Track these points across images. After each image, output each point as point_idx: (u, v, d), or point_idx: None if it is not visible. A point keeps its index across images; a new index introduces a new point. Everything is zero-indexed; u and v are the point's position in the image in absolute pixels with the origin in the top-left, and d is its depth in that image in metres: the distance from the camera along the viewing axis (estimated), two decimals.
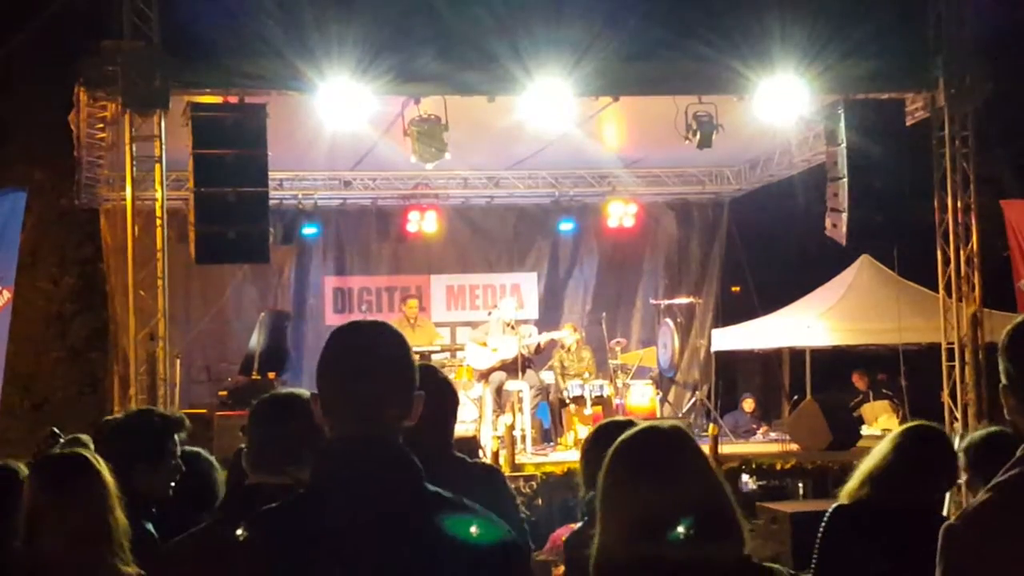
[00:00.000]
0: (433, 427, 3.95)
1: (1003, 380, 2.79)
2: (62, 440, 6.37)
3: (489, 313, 16.01)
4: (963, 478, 4.75)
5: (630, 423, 4.03)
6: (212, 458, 5.06)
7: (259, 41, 11.28)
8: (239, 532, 2.66)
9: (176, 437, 4.63)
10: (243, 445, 4.04)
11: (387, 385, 2.74)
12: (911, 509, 4.27)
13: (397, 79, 11.60)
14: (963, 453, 4.71)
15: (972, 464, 4.64)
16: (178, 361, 13.70)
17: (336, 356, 2.81)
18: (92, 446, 5.59)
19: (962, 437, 5.25)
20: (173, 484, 4.55)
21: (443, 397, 4.29)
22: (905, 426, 4.66)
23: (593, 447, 4.18)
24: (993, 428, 4.77)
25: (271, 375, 14.38)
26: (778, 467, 13.60)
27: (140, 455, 4.48)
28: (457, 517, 2.69)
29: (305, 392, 3.48)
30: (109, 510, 3.73)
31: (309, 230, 17.30)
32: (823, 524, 4.44)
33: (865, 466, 4.46)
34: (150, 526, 4.34)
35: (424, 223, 17.47)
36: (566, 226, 18.22)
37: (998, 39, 13.95)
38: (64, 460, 4.01)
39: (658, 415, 15.01)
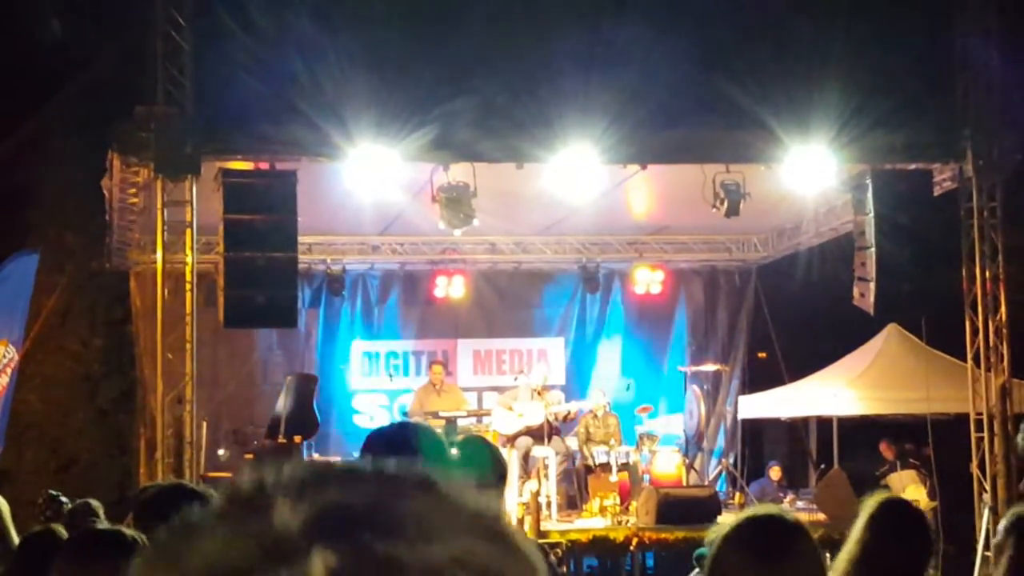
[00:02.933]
0: None
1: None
2: (65, 503, 6.37)
3: (515, 379, 16.00)
4: (1007, 553, 4.67)
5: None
6: None
7: (290, 108, 11.41)
8: None
9: None
10: None
11: (409, 456, 2.80)
12: None
13: (426, 146, 11.70)
14: (1007, 528, 4.63)
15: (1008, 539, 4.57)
16: (205, 424, 13.73)
17: (369, 439, 2.92)
18: (100, 512, 5.59)
19: (991, 510, 5.22)
20: None
21: (493, 471, 4.23)
22: (874, 504, 4.55)
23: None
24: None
25: (297, 439, 14.40)
26: None
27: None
28: None
29: (333, 460, 3.50)
30: None
31: (337, 293, 17.37)
32: None
33: (846, 552, 4.36)
34: None
35: (451, 288, 17.53)
36: (593, 291, 18.24)
37: None
38: (97, 537, 3.96)
39: (684, 483, 14.94)
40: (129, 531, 3.78)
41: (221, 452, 12.84)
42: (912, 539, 4.37)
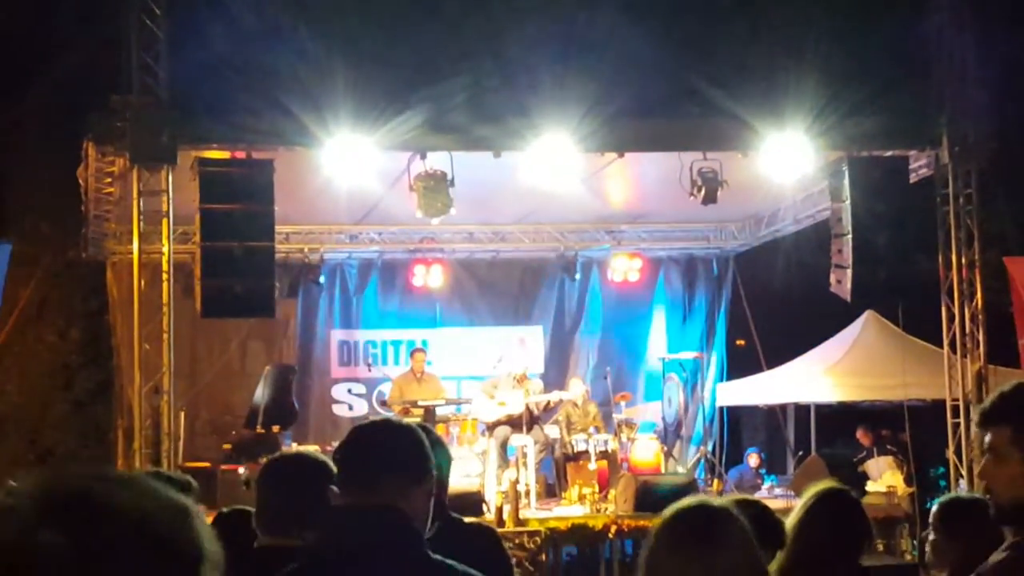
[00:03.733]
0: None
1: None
2: None
3: (494, 367, 16.00)
4: (932, 536, 4.75)
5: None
6: None
7: (266, 97, 11.37)
8: None
9: None
10: (236, 506, 4.05)
11: (395, 456, 2.84)
12: None
13: (403, 134, 11.68)
14: (933, 517, 4.71)
15: (942, 524, 4.64)
16: (183, 414, 13.70)
17: (352, 434, 2.94)
18: None
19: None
20: None
21: (437, 457, 4.27)
22: (811, 494, 4.60)
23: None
24: (964, 494, 4.82)
25: (275, 429, 14.38)
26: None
27: None
28: None
29: (315, 452, 3.51)
30: None
31: (315, 283, 17.33)
32: None
33: (789, 541, 4.40)
34: None
35: (430, 277, 17.53)
36: (571, 280, 18.25)
37: (1002, 98, 14.02)
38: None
39: (663, 470, 14.97)
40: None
41: (242, 471, 12.68)
42: (844, 525, 4.44)
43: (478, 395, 15.33)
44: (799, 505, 4.51)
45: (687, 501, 3.07)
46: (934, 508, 4.79)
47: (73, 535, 1.32)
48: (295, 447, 13.68)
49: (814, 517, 4.40)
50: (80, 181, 13.36)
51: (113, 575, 1.34)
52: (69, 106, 14.81)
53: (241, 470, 12.95)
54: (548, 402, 15.36)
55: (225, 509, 4.56)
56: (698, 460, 17.35)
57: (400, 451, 2.90)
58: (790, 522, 4.44)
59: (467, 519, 4.69)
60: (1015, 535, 2.82)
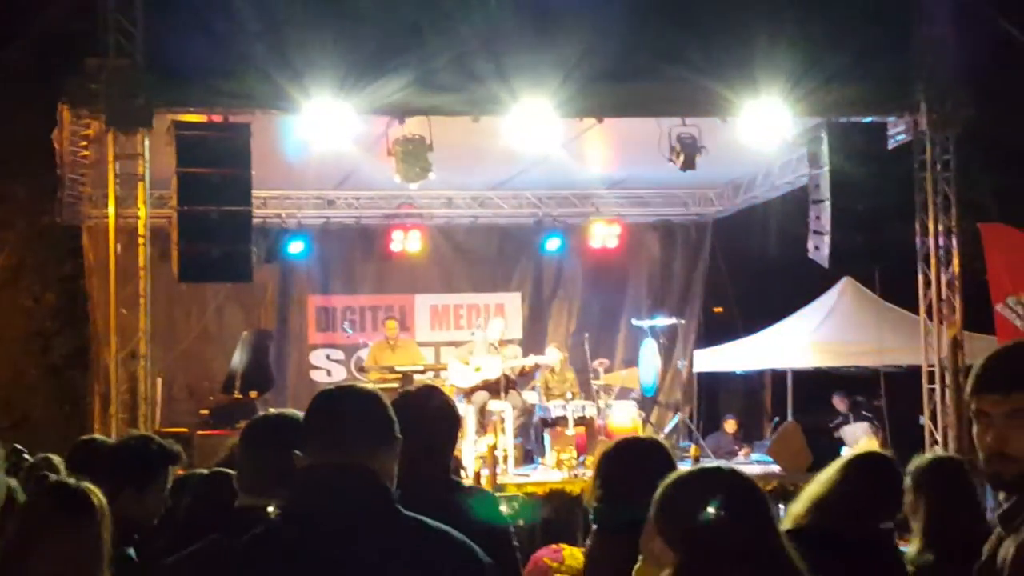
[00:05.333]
0: (432, 451, 3.98)
1: None
2: (27, 458, 6.33)
3: (472, 333, 16.01)
4: (907, 497, 4.78)
5: (653, 442, 4.03)
6: None
7: (243, 60, 11.30)
8: None
9: (169, 469, 4.62)
10: (217, 468, 4.04)
11: (358, 420, 2.87)
12: (856, 539, 4.25)
13: (381, 98, 11.62)
14: (908, 476, 4.74)
15: (916, 487, 4.67)
16: (160, 380, 13.66)
17: (317, 399, 2.95)
18: (63, 467, 5.55)
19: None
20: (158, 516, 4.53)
21: (444, 421, 4.27)
22: (853, 453, 4.63)
23: (612, 465, 4.12)
24: (942, 454, 4.86)
25: (253, 394, 14.37)
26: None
27: (131, 481, 4.47)
28: (432, 542, 2.76)
29: (296, 414, 3.50)
30: (102, 544, 3.67)
31: (293, 248, 17.27)
32: None
33: (811, 492, 4.43)
34: (132, 551, 4.32)
35: (408, 242, 17.49)
36: (550, 246, 18.24)
37: (980, 64, 14.04)
38: (68, 493, 3.87)
39: (640, 435, 14.99)
40: (80, 484, 3.75)
41: None
42: (882, 494, 4.45)
43: (453, 362, 15.35)
44: (835, 465, 4.50)
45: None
46: (908, 469, 4.82)
47: None
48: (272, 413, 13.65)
49: (852, 479, 4.40)
50: (55, 144, 13.26)
51: None
52: (43, 69, 14.70)
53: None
54: (524, 367, 15.38)
55: (206, 470, 4.55)
56: (675, 426, 17.39)
57: (365, 415, 2.94)
58: (821, 480, 4.45)
59: (466, 484, 4.69)
60: None
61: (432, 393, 4.34)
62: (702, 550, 2.85)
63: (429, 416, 3.81)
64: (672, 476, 3.02)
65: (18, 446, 6.49)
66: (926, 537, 4.55)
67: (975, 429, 2.90)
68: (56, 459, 5.87)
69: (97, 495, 3.66)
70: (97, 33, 11.39)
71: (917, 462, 4.79)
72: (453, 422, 4.36)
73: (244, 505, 3.59)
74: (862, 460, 4.54)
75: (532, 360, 15.59)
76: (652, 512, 2.96)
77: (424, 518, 2.83)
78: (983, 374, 2.88)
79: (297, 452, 2.91)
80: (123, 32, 11.30)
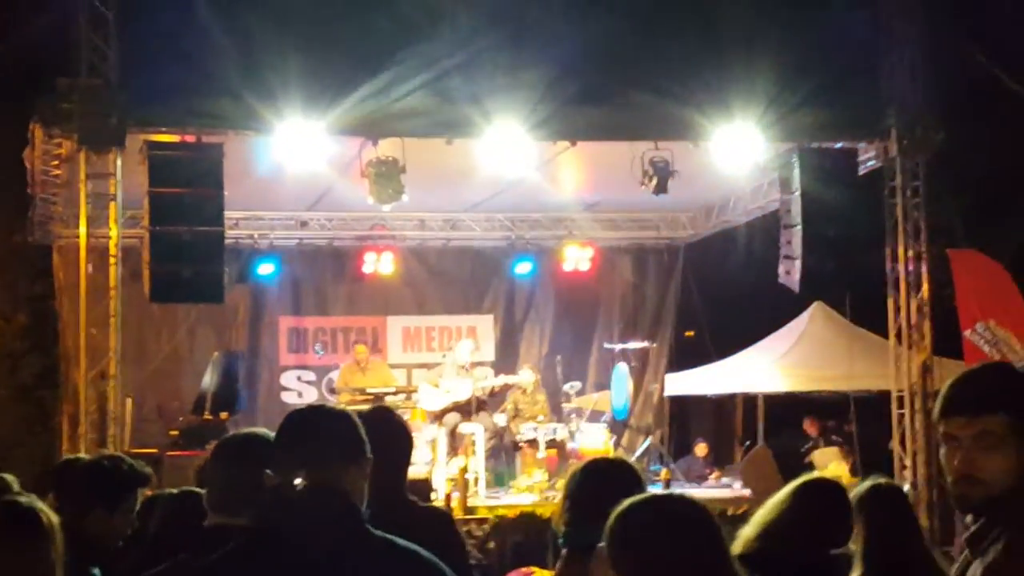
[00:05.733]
0: (386, 471, 3.99)
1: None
2: None
3: (444, 356, 16.01)
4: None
5: (623, 464, 4.03)
6: None
7: (216, 81, 11.29)
8: None
9: (138, 491, 4.61)
10: (186, 487, 4.03)
11: (329, 439, 2.88)
12: (804, 564, 4.25)
13: (354, 120, 11.63)
14: (855, 503, 4.75)
15: (856, 513, 4.68)
16: (129, 400, 13.57)
17: (288, 420, 2.97)
18: (15, 487, 5.50)
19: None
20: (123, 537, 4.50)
21: (396, 441, 4.31)
22: (803, 479, 4.64)
23: (582, 486, 4.12)
24: (881, 480, 4.86)
25: (223, 415, 14.30)
26: (729, 512, 13.58)
27: (101, 501, 4.45)
28: (401, 561, 2.76)
29: (267, 433, 3.50)
30: (52, 563, 3.62)
31: (264, 269, 17.24)
32: None
33: (761, 516, 4.43)
34: (97, 572, 4.30)
35: (380, 264, 17.48)
36: (522, 268, 18.27)
37: (949, 90, 14.15)
38: (18, 511, 3.84)
39: (609, 456, 14.98)
40: (32, 503, 3.72)
41: None
42: (831, 520, 4.46)
43: (424, 385, 15.35)
44: (785, 490, 4.50)
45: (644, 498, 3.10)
46: (852, 496, 4.82)
47: None
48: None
49: (801, 505, 4.41)
50: (26, 163, 13.21)
51: None
52: (15, 87, 14.62)
53: None
54: (494, 387, 15.39)
55: (176, 490, 4.54)
56: (646, 449, 17.41)
57: (335, 434, 2.95)
58: (771, 505, 4.45)
59: (422, 504, 4.71)
60: (1003, 528, 2.79)
61: (385, 414, 4.38)
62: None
63: (381, 437, 3.84)
64: (622, 505, 3.01)
65: None
66: (865, 562, 4.56)
67: (942, 452, 2.91)
68: (10, 478, 5.83)
69: (47, 514, 3.63)
70: (70, 53, 11.37)
71: (857, 489, 4.80)
72: (406, 442, 4.40)
73: (214, 524, 3.58)
74: (811, 486, 4.54)
75: (503, 379, 15.59)
76: (603, 541, 2.96)
77: (393, 537, 2.84)
78: (950, 397, 2.90)
79: (268, 471, 2.91)
80: (96, 52, 11.28)
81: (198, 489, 4.02)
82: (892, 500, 4.73)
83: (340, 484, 2.85)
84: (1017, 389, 2.86)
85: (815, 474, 5.06)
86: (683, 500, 3.08)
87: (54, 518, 3.60)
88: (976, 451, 2.82)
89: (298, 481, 2.86)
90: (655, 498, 3.12)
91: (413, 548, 2.85)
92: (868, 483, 4.81)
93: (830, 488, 4.59)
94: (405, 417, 14.28)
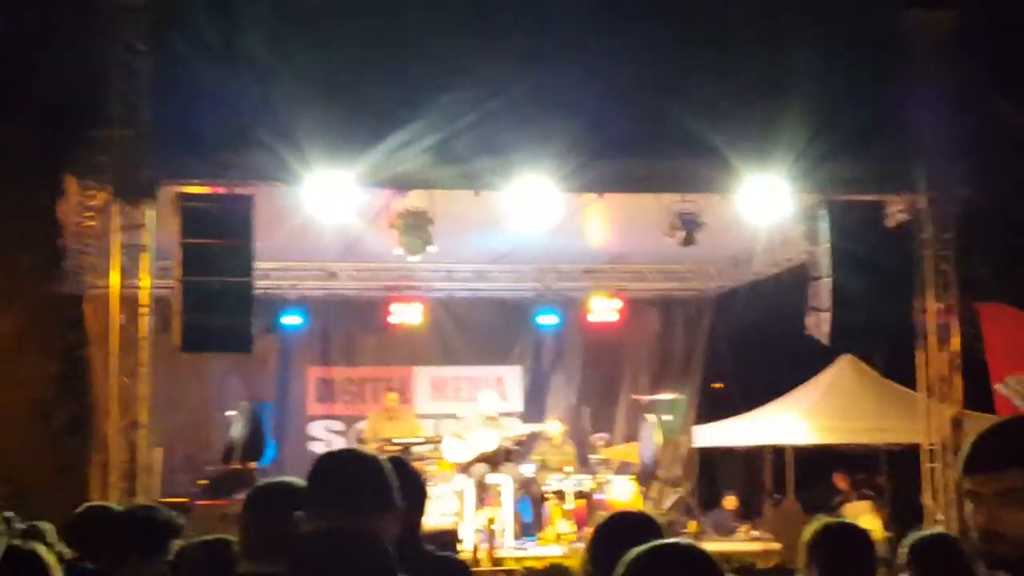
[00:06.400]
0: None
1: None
2: (17, 526, 6.34)
3: (471, 408, 16.03)
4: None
5: (645, 517, 4.03)
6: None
7: (247, 133, 11.40)
8: None
9: (173, 540, 4.64)
10: (219, 535, 4.06)
11: (363, 485, 2.88)
12: None
13: (382, 172, 11.71)
14: (908, 552, 4.72)
15: (914, 562, 4.65)
16: (159, 449, 13.63)
17: (321, 461, 2.99)
18: (50, 536, 5.55)
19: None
20: None
21: (410, 490, 4.32)
22: (817, 525, 4.59)
23: (603, 539, 4.13)
24: (938, 530, 4.83)
25: (251, 464, 14.33)
26: (759, 566, 13.53)
27: (137, 549, 4.49)
28: None
29: (299, 481, 3.52)
30: None
31: (292, 320, 17.31)
32: None
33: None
34: None
35: (408, 314, 17.51)
36: (548, 319, 18.28)
37: (979, 144, 14.14)
38: (18, 556, 3.87)
39: (633, 509, 14.90)
40: (31, 547, 3.75)
41: None
42: (854, 558, 4.43)
43: (447, 438, 15.36)
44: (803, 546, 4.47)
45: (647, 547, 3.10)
46: (904, 548, 4.81)
47: None
48: None
49: (821, 553, 4.39)
50: (59, 215, 13.33)
51: None
52: (51, 139, 14.79)
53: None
54: (521, 436, 15.37)
55: (209, 537, 4.57)
56: (675, 502, 17.32)
57: (367, 479, 2.96)
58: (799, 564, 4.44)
59: (439, 553, 4.71)
60: None
61: (398, 463, 4.40)
62: None
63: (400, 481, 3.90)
64: (629, 554, 3.01)
65: (8, 513, 6.49)
66: None
67: (967, 508, 2.90)
68: (46, 526, 5.87)
69: (44, 557, 3.67)
70: (103, 105, 11.50)
71: (911, 541, 4.78)
72: (420, 492, 4.42)
73: (246, 572, 3.60)
74: (822, 535, 4.51)
75: (529, 428, 15.59)
76: None
77: None
78: (973, 453, 2.89)
79: (299, 512, 2.92)
80: (128, 104, 11.41)
81: (230, 536, 4.04)
82: (843, 541, 4.58)
83: (373, 531, 2.86)
84: None
85: (865, 526, 5.01)
86: (690, 548, 3.08)
87: (51, 560, 3.64)
88: (1000, 507, 2.80)
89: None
90: (662, 545, 3.12)
91: None
92: (819, 523, 4.77)
93: (842, 531, 4.56)
94: (432, 468, 14.38)
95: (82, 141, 11.68)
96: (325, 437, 17.60)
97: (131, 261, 11.94)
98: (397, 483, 3.03)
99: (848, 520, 4.71)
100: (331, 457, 3.12)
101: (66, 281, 15.56)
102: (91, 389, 16.17)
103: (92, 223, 13.24)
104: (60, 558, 5.14)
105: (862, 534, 4.66)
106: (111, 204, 11.70)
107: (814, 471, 18.07)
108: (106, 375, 12.52)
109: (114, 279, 11.76)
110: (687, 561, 2.98)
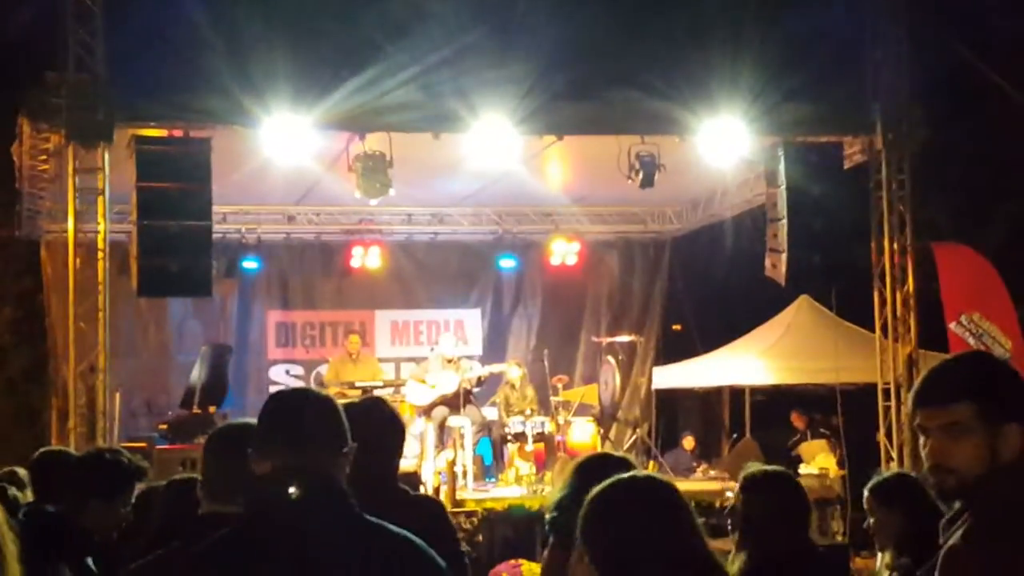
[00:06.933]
0: (377, 460, 4.04)
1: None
2: None
3: (431, 349, 16.06)
4: (871, 519, 4.83)
5: (622, 460, 4.06)
6: None
7: (204, 75, 11.29)
8: None
9: (135, 484, 4.65)
10: (176, 476, 4.08)
11: (315, 423, 2.88)
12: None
13: (341, 114, 11.65)
14: (867, 499, 4.78)
15: (877, 504, 4.71)
16: (118, 394, 13.59)
17: (270, 403, 2.97)
18: (29, 479, 5.56)
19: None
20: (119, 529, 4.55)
21: (387, 430, 4.35)
22: (748, 472, 4.60)
23: (579, 475, 4.14)
24: (886, 472, 4.88)
25: (211, 409, 14.31)
26: (717, 505, 13.64)
27: (99, 492, 4.50)
28: (393, 546, 2.78)
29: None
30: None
31: (250, 264, 17.26)
32: None
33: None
34: (90, 562, 4.35)
35: (368, 258, 17.49)
36: (508, 263, 18.31)
37: (935, 86, 14.21)
38: None
39: (613, 453, 15.01)
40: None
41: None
42: (784, 503, 4.47)
43: (409, 381, 15.40)
44: (736, 491, 4.52)
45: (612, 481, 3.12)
46: (866, 493, 4.86)
47: None
48: None
49: (752, 501, 4.44)
50: (14, 158, 13.20)
51: None
52: (3, 82, 14.61)
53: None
54: (479, 377, 15.43)
55: (177, 476, 4.58)
56: (634, 443, 17.46)
57: (320, 418, 2.94)
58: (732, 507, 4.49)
59: (413, 493, 4.75)
60: (970, 513, 2.83)
61: (375, 404, 4.43)
62: (624, 563, 2.88)
63: (372, 426, 3.89)
64: (593, 491, 3.04)
65: None
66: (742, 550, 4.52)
67: (920, 442, 2.97)
68: (22, 471, 5.88)
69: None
70: (57, 47, 11.37)
71: (871, 485, 4.83)
72: (398, 432, 4.44)
73: (208, 512, 3.62)
74: (751, 479, 4.54)
75: (488, 369, 15.66)
76: (578, 531, 2.98)
77: (386, 523, 2.85)
78: (922, 389, 2.96)
79: (250, 450, 2.91)
80: (84, 46, 11.29)
81: (194, 475, 4.06)
82: (770, 486, 4.57)
83: (327, 468, 2.86)
84: (984, 376, 2.91)
85: (820, 463, 5.07)
86: (657, 480, 3.12)
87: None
88: (946, 440, 2.87)
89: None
90: (630, 478, 3.15)
91: (404, 534, 2.87)
92: (876, 478, 4.83)
93: (770, 478, 4.59)
94: None
95: (36, 83, 11.54)
96: (285, 381, 17.59)
97: (88, 205, 11.85)
98: (347, 425, 3.02)
99: (778, 468, 4.72)
100: (282, 396, 3.11)
101: (21, 226, 15.44)
102: (48, 335, 16.10)
103: (47, 167, 13.12)
104: (16, 503, 5.15)
105: (787, 478, 4.61)
106: (66, 147, 11.59)
107: (771, 411, 18.24)
108: (63, 321, 12.47)
109: (70, 223, 11.67)
110: (657, 492, 3.02)
